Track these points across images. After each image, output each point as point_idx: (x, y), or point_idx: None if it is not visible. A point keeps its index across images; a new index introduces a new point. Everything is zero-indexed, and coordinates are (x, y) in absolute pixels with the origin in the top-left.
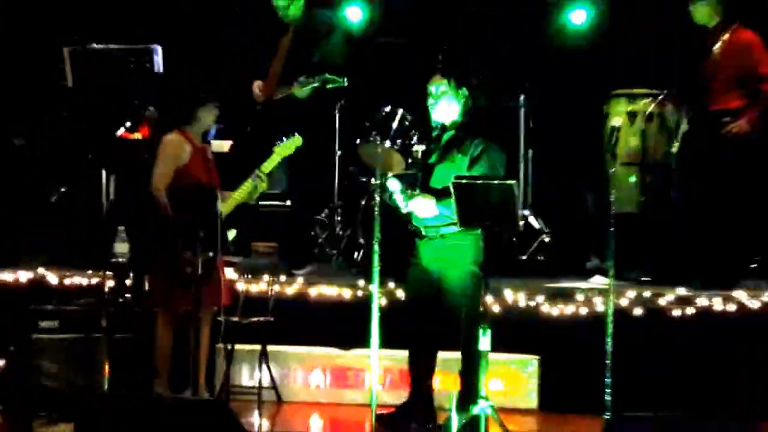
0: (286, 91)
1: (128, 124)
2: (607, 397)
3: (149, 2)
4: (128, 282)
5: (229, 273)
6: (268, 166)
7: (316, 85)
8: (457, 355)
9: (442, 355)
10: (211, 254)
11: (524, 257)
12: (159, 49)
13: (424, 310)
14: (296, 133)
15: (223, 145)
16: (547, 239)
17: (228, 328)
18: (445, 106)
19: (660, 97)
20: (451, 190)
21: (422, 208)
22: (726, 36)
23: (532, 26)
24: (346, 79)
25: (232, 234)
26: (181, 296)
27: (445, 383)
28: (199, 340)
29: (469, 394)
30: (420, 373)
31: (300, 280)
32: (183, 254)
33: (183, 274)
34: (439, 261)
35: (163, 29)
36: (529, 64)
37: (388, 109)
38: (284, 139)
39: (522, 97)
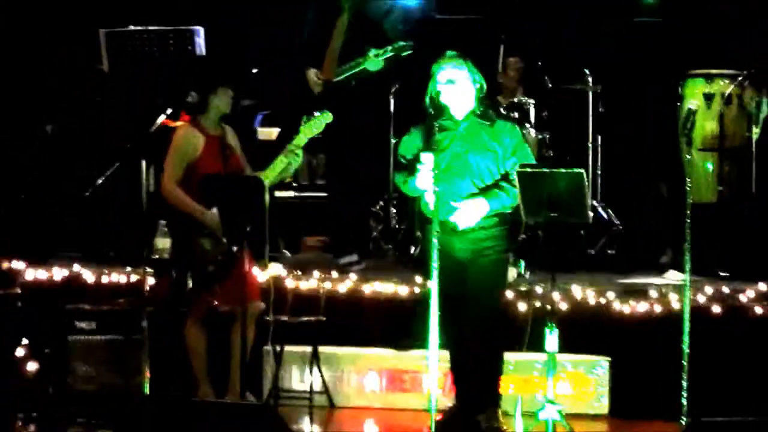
0: (350, 70)
1: (169, 110)
2: (684, 401)
3: None
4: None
5: (278, 269)
6: (299, 141)
7: (390, 55)
8: (527, 356)
9: (513, 356)
10: (235, 249)
11: (593, 251)
12: (201, 30)
13: (460, 306)
14: (326, 110)
15: (272, 133)
16: (617, 232)
17: (277, 329)
18: (460, 93)
19: (739, 78)
20: (515, 179)
21: (475, 211)
22: None
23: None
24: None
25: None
26: (205, 295)
27: (518, 387)
28: (245, 340)
29: (483, 397)
30: (462, 375)
31: (353, 276)
32: (204, 251)
33: (205, 272)
34: (471, 251)
35: (207, 11)
36: (598, 43)
37: None
38: (314, 114)
39: (590, 79)
